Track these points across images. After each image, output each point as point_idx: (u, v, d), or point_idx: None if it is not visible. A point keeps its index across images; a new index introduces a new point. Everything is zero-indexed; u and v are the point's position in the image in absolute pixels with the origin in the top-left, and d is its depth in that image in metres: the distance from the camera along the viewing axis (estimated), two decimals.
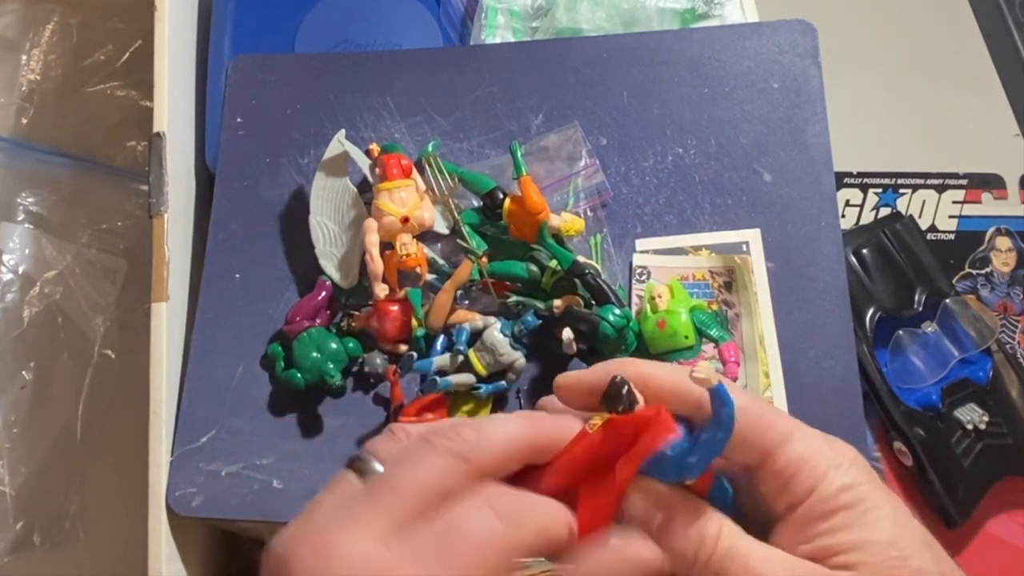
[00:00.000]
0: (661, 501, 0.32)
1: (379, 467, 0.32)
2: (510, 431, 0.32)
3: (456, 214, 0.59)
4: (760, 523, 0.33)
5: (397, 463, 0.32)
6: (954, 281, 0.70)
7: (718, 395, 0.31)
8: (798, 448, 0.32)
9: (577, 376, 0.34)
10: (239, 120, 0.65)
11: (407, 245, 0.57)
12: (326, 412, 0.57)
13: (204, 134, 0.67)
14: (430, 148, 0.61)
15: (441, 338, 0.57)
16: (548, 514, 0.31)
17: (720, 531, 0.31)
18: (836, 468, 0.31)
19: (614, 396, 0.32)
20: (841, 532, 0.31)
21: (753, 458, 0.32)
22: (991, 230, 0.73)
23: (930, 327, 0.66)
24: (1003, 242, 0.73)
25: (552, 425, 0.33)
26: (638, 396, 0.32)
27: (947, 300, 0.66)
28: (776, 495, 0.32)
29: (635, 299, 0.58)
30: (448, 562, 0.28)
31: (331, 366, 0.56)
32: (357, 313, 0.59)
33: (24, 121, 0.80)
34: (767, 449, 0.32)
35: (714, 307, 0.57)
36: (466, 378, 0.55)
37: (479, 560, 0.29)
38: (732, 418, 0.31)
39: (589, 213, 0.61)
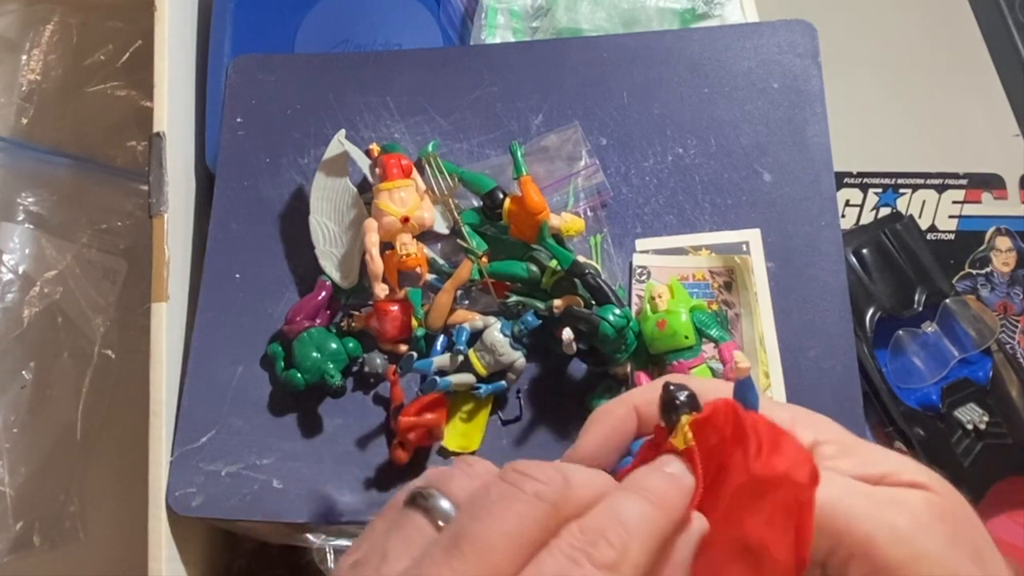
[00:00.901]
0: None
1: (450, 508, 0.28)
2: (596, 482, 0.28)
3: (456, 214, 0.59)
4: None
5: (476, 509, 0.26)
6: (954, 281, 0.70)
7: (742, 386, 0.28)
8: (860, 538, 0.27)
9: (620, 400, 0.31)
10: (239, 120, 0.65)
11: (407, 245, 0.57)
12: (326, 412, 0.57)
13: (204, 134, 0.67)
14: (430, 148, 0.61)
15: (441, 338, 0.57)
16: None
17: None
18: (897, 548, 0.27)
19: (672, 402, 0.28)
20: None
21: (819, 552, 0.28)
22: (991, 230, 0.73)
23: (930, 327, 0.66)
24: (1003, 242, 0.73)
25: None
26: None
27: (947, 300, 0.66)
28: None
29: (635, 299, 0.58)
30: None
31: (331, 366, 0.56)
32: (357, 313, 0.59)
33: (24, 121, 0.80)
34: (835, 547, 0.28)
35: (714, 307, 0.57)
36: (466, 378, 0.55)
37: None
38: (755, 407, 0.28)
39: (589, 213, 0.61)
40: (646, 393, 0.32)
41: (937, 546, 0.27)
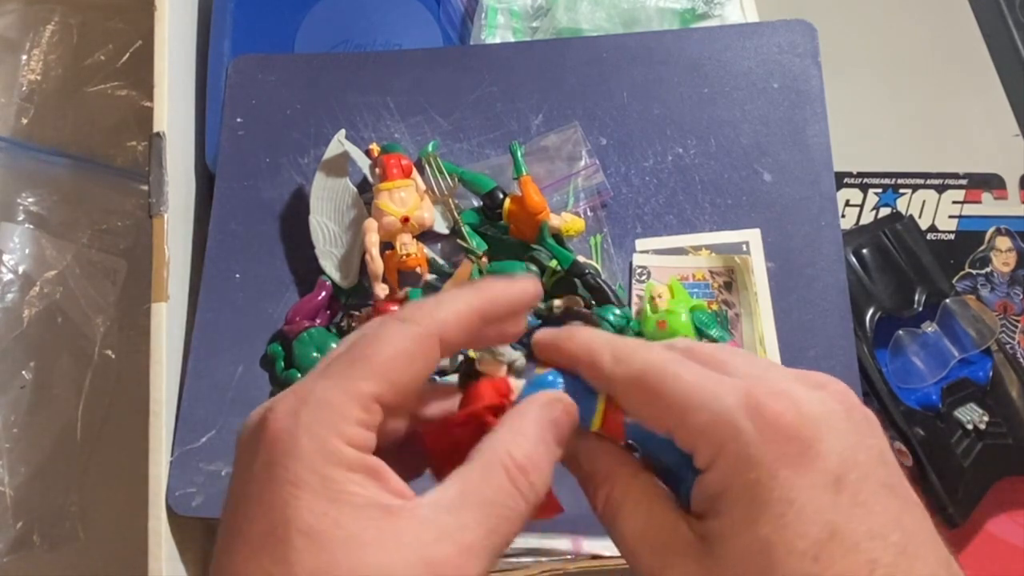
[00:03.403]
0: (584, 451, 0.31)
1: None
2: (459, 296, 0.31)
3: (456, 214, 0.59)
4: None
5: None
6: (954, 281, 0.70)
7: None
8: (697, 420, 0.28)
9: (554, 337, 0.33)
10: (239, 120, 0.65)
11: (407, 245, 0.57)
12: None
13: (204, 134, 0.67)
14: (430, 148, 0.61)
15: None
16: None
17: (607, 497, 0.30)
18: (735, 440, 0.27)
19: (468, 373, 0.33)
20: (722, 519, 0.27)
21: (666, 431, 0.29)
22: (991, 230, 0.73)
23: (930, 327, 0.66)
24: (1003, 242, 0.73)
25: (500, 289, 0.31)
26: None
27: (947, 300, 0.66)
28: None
29: (635, 299, 0.58)
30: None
31: None
32: (357, 313, 0.59)
33: (24, 121, 0.80)
34: (669, 426, 0.29)
35: (714, 307, 0.57)
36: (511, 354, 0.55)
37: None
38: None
39: (589, 213, 0.61)
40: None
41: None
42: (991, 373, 0.64)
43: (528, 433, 0.29)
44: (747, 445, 0.27)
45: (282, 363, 0.57)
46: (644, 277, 0.59)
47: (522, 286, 0.32)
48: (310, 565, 0.25)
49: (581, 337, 0.31)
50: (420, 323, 0.29)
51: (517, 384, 0.32)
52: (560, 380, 0.32)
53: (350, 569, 0.25)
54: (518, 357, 0.33)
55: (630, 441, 0.32)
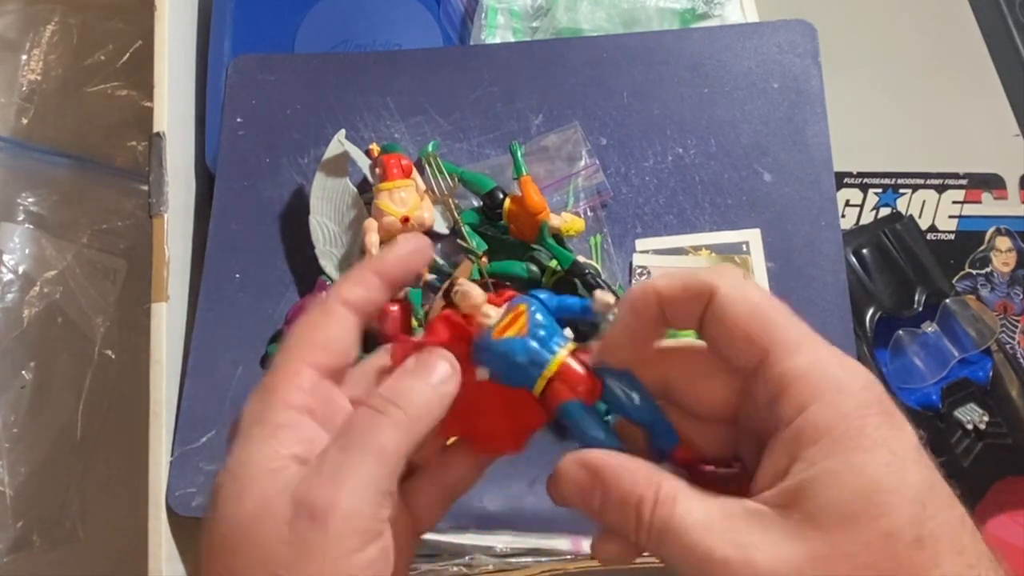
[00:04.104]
0: (593, 469, 0.29)
1: None
2: (356, 268, 0.34)
3: (456, 214, 0.59)
4: (757, 434, 0.29)
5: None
6: (954, 281, 0.70)
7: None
8: (800, 361, 0.28)
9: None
10: (239, 120, 0.65)
11: None
12: None
13: (204, 134, 0.67)
14: (430, 148, 0.61)
15: None
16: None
17: (656, 498, 0.27)
18: (838, 391, 0.27)
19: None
20: (818, 467, 0.26)
21: (750, 361, 0.29)
22: (991, 230, 0.73)
23: (930, 327, 0.66)
24: (1003, 242, 0.73)
25: (390, 256, 0.34)
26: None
27: (947, 300, 0.66)
28: (767, 409, 0.28)
29: None
30: None
31: None
32: None
33: (24, 121, 0.80)
34: (765, 354, 0.28)
35: None
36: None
37: None
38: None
39: (589, 213, 0.61)
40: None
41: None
42: (991, 373, 0.64)
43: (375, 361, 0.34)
44: (849, 395, 0.27)
45: None
46: (644, 277, 0.59)
47: (407, 248, 0.34)
48: (208, 520, 0.29)
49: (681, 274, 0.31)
50: (327, 298, 0.33)
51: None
52: (534, 298, 0.33)
53: (232, 516, 0.28)
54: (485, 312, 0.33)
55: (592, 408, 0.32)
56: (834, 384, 0.27)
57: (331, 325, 0.32)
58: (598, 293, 0.32)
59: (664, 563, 0.28)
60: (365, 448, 0.29)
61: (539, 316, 0.32)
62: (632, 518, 0.28)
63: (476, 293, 0.32)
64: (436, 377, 0.31)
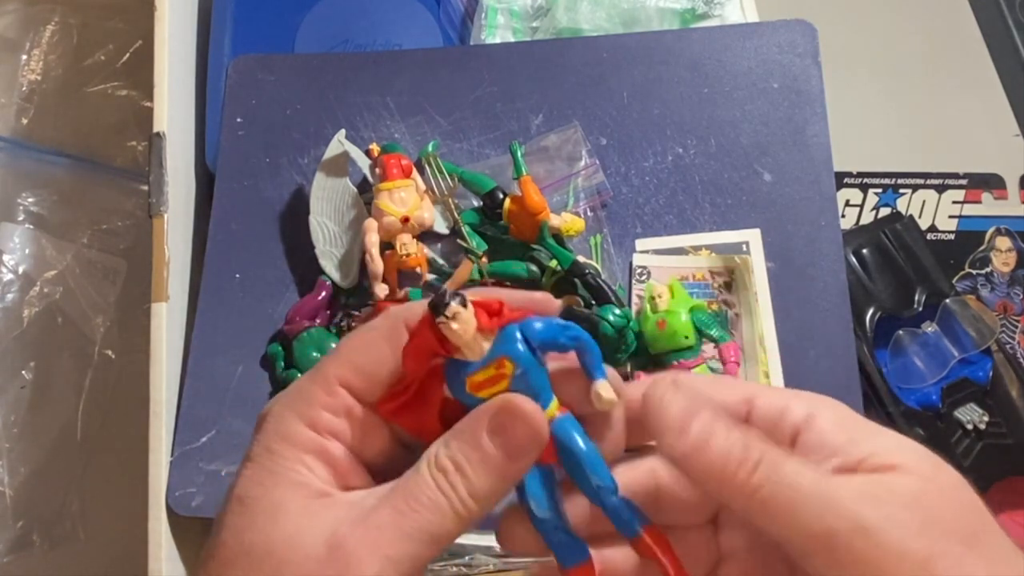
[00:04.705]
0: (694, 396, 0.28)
1: None
2: None
3: (456, 214, 0.59)
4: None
5: None
6: (954, 281, 0.70)
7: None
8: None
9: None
10: (239, 120, 0.65)
11: (407, 245, 0.57)
12: None
13: (204, 134, 0.67)
14: (430, 148, 0.61)
15: None
16: None
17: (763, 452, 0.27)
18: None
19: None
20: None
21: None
22: (991, 230, 0.73)
23: (930, 327, 0.66)
24: (1003, 242, 0.73)
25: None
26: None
27: (947, 300, 0.66)
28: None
29: (635, 299, 0.58)
30: None
31: None
32: (357, 313, 0.59)
33: (24, 121, 0.80)
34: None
35: (714, 307, 0.57)
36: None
37: None
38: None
39: (589, 213, 0.61)
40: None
41: (906, 533, 0.26)
42: (991, 373, 0.64)
43: (463, 436, 0.28)
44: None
45: (282, 363, 0.57)
46: (644, 277, 0.59)
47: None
48: (232, 525, 0.28)
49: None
50: (390, 315, 0.30)
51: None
52: (523, 349, 0.29)
53: (263, 533, 0.27)
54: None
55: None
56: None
57: (384, 347, 0.30)
58: (600, 387, 0.29)
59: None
60: (420, 527, 0.27)
61: (522, 380, 0.29)
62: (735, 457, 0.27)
63: (468, 330, 0.28)
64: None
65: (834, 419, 0.29)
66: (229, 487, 0.29)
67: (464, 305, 0.28)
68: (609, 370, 0.29)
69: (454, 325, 0.28)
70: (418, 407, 0.30)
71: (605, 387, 0.29)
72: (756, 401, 0.30)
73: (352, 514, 0.27)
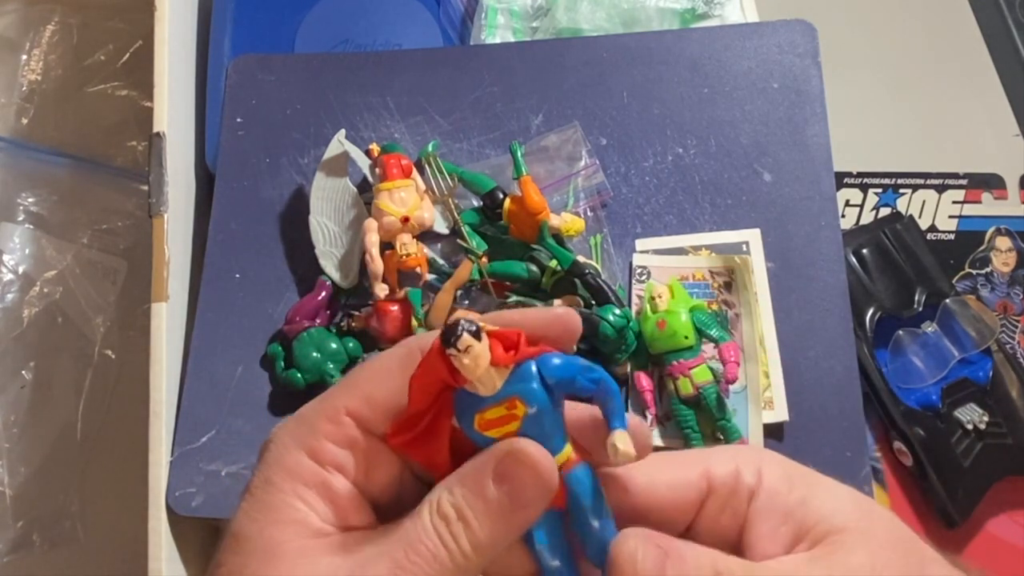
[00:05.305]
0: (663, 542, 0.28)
1: None
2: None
3: (456, 214, 0.59)
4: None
5: None
6: (954, 281, 0.70)
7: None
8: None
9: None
10: (239, 120, 0.65)
11: (407, 245, 0.57)
12: None
13: (204, 134, 0.67)
14: (430, 148, 0.61)
15: None
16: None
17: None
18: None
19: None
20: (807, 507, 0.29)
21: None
22: (991, 230, 0.73)
23: (930, 327, 0.66)
24: (1003, 242, 0.73)
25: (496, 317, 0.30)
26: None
27: (947, 300, 0.66)
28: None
29: (635, 299, 0.58)
30: None
31: (331, 366, 0.56)
32: (357, 313, 0.59)
33: (24, 121, 0.80)
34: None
35: (714, 307, 0.57)
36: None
37: None
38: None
39: (589, 213, 0.61)
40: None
41: None
42: (991, 373, 0.64)
43: (467, 482, 0.27)
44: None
45: (282, 363, 0.57)
46: (644, 277, 0.59)
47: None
48: (228, 563, 0.27)
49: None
50: (405, 344, 0.29)
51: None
52: (537, 389, 0.27)
53: (265, 506, 0.27)
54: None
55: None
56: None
57: (397, 376, 0.29)
58: (617, 438, 0.27)
59: None
60: None
61: (534, 422, 0.27)
62: None
63: (481, 364, 0.26)
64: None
65: (781, 475, 0.30)
66: (230, 519, 0.28)
67: (478, 337, 0.26)
68: (633, 419, 0.28)
69: (465, 360, 0.26)
70: (428, 439, 0.28)
71: (623, 439, 0.27)
72: (712, 472, 0.30)
73: (348, 563, 0.26)
